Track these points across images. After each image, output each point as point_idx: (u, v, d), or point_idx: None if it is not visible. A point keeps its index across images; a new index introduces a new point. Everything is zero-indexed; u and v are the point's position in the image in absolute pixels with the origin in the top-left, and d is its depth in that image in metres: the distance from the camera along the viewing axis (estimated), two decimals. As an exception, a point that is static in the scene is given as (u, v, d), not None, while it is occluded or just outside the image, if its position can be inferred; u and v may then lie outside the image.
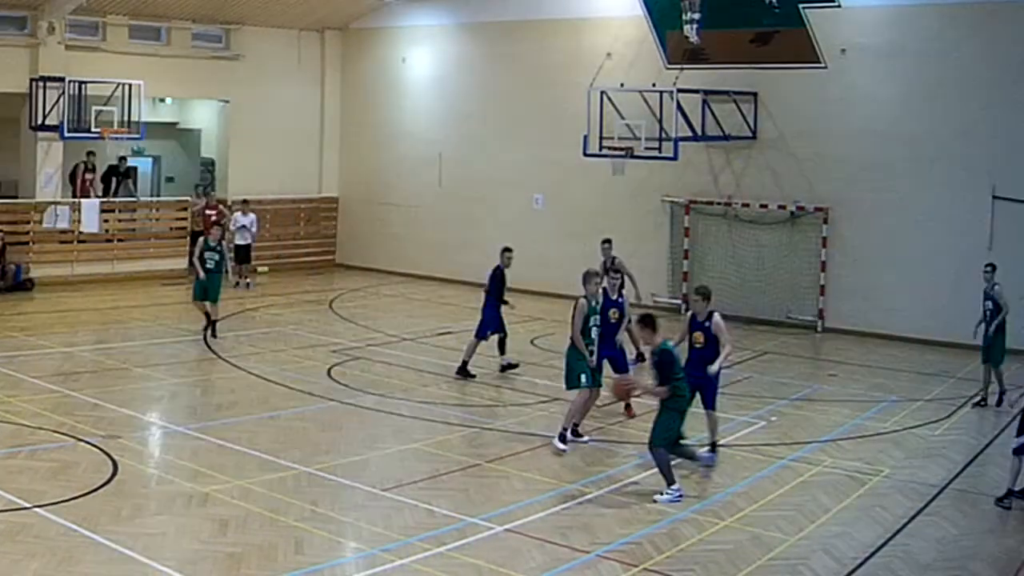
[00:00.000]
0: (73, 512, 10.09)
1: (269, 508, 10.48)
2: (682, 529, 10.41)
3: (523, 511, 10.71)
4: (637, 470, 12.22)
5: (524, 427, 13.83)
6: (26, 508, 10.14)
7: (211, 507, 10.47)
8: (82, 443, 12.32)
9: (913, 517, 10.91)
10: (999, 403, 15.57)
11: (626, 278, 17.15)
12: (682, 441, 11.58)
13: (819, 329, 21.56)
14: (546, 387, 15.45)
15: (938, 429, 14.42)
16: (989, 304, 15.63)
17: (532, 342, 19.51)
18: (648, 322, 11.59)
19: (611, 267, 16.83)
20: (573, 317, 13.11)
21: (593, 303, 13.24)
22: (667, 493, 11.17)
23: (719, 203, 22.79)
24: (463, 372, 16.44)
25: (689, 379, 11.92)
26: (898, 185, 20.72)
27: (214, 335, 18.69)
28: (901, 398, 16.09)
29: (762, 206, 22.17)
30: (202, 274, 18.64)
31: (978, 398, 15.73)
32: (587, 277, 13.40)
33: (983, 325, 15.66)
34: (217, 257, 18.83)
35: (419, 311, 22.94)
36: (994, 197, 19.63)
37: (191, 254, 19.09)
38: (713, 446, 12.72)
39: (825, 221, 21.42)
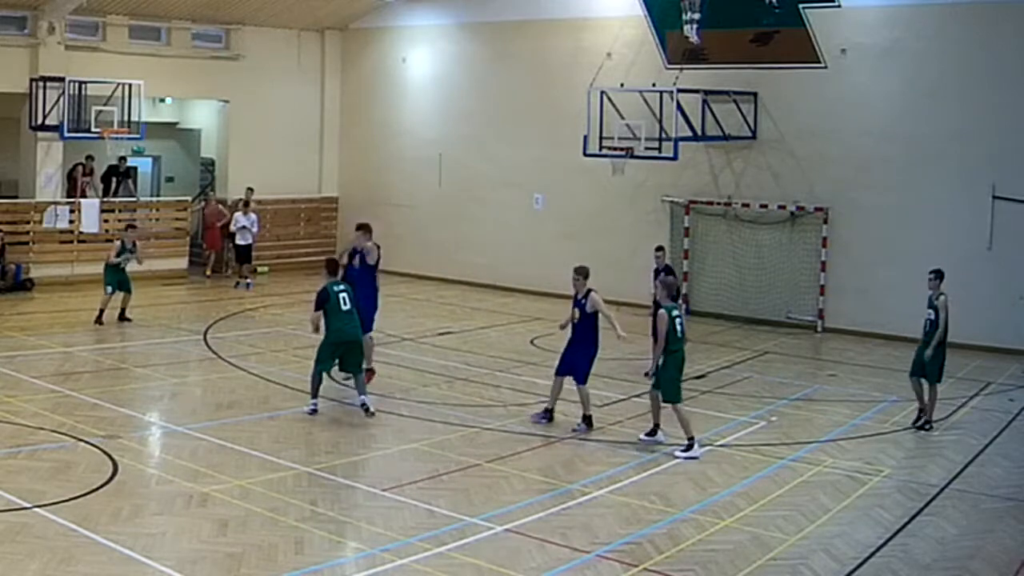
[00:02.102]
0: (73, 512, 10.09)
1: (269, 508, 10.48)
2: (682, 529, 10.41)
3: (523, 511, 10.70)
4: (637, 470, 12.23)
5: (524, 427, 13.83)
6: (26, 508, 10.14)
7: (211, 507, 10.47)
8: (82, 443, 12.32)
9: (913, 517, 10.91)
10: (919, 423, 14.28)
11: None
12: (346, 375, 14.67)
13: (819, 329, 21.54)
14: (547, 387, 15.43)
15: (938, 429, 14.41)
16: (931, 314, 14.38)
17: (532, 342, 19.53)
18: (328, 264, 14.46)
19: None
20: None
21: None
22: (308, 405, 14.06)
23: (719, 203, 22.77)
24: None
25: (564, 355, 13.80)
26: (898, 185, 20.71)
27: (127, 319, 19.90)
28: (901, 398, 16.04)
29: (762, 206, 22.16)
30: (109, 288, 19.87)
31: (921, 420, 14.32)
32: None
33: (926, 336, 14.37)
34: (129, 256, 20.19)
35: (419, 311, 22.92)
36: (994, 197, 19.62)
37: (117, 254, 20.27)
38: (585, 419, 13.70)
39: (825, 221, 21.42)
